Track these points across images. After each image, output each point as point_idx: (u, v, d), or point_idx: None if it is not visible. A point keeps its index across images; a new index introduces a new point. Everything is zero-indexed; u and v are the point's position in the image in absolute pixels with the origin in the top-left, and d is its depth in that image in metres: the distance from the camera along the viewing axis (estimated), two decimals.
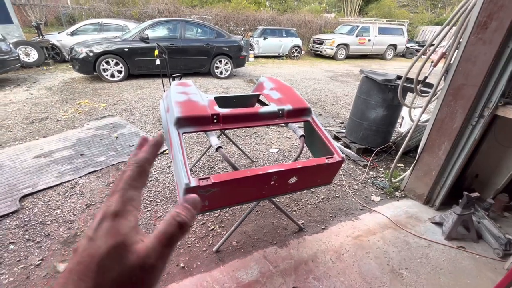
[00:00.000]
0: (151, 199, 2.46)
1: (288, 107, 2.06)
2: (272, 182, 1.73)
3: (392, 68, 11.62)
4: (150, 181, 2.71)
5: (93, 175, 2.76)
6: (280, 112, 2.03)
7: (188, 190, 1.40)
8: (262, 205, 2.47)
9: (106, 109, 4.60)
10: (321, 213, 2.44)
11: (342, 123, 4.79)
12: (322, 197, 2.66)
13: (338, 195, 2.70)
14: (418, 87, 2.55)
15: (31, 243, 1.94)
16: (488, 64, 1.95)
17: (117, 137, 3.56)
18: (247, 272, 1.82)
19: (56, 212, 2.24)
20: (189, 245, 2.01)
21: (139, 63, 6.50)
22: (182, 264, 1.85)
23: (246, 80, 7.63)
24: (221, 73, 7.46)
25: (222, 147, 1.64)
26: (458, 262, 2.00)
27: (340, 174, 3.08)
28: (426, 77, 2.43)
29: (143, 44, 6.33)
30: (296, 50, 12.66)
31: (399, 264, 1.95)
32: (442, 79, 2.33)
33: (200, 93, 2.06)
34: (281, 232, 2.20)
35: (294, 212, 2.43)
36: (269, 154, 3.44)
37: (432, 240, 2.18)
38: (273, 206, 2.48)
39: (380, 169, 3.27)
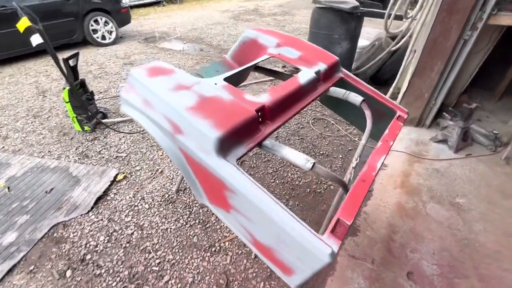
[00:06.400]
0: None
1: (322, 66, 1.50)
2: None
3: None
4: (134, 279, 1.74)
5: (19, 273, 1.54)
6: (317, 76, 1.46)
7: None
8: (294, 202, 2.02)
9: None
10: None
11: (284, 66, 4.43)
12: (340, 156, 2.40)
13: (351, 148, 2.50)
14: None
15: None
16: None
17: (8, 187, 2.08)
18: (354, 286, 1.46)
19: None
20: None
21: None
22: None
23: (141, 40, 5.87)
24: (103, 37, 5.39)
25: (315, 162, 1.00)
26: (477, 169, 2.22)
27: (333, 123, 2.86)
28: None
29: None
30: None
31: (449, 195, 2.00)
32: None
33: (200, 79, 1.21)
34: None
35: (332, 187, 2.10)
36: None
37: (449, 159, 2.34)
38: (308, 190, 2.08)
39: None
